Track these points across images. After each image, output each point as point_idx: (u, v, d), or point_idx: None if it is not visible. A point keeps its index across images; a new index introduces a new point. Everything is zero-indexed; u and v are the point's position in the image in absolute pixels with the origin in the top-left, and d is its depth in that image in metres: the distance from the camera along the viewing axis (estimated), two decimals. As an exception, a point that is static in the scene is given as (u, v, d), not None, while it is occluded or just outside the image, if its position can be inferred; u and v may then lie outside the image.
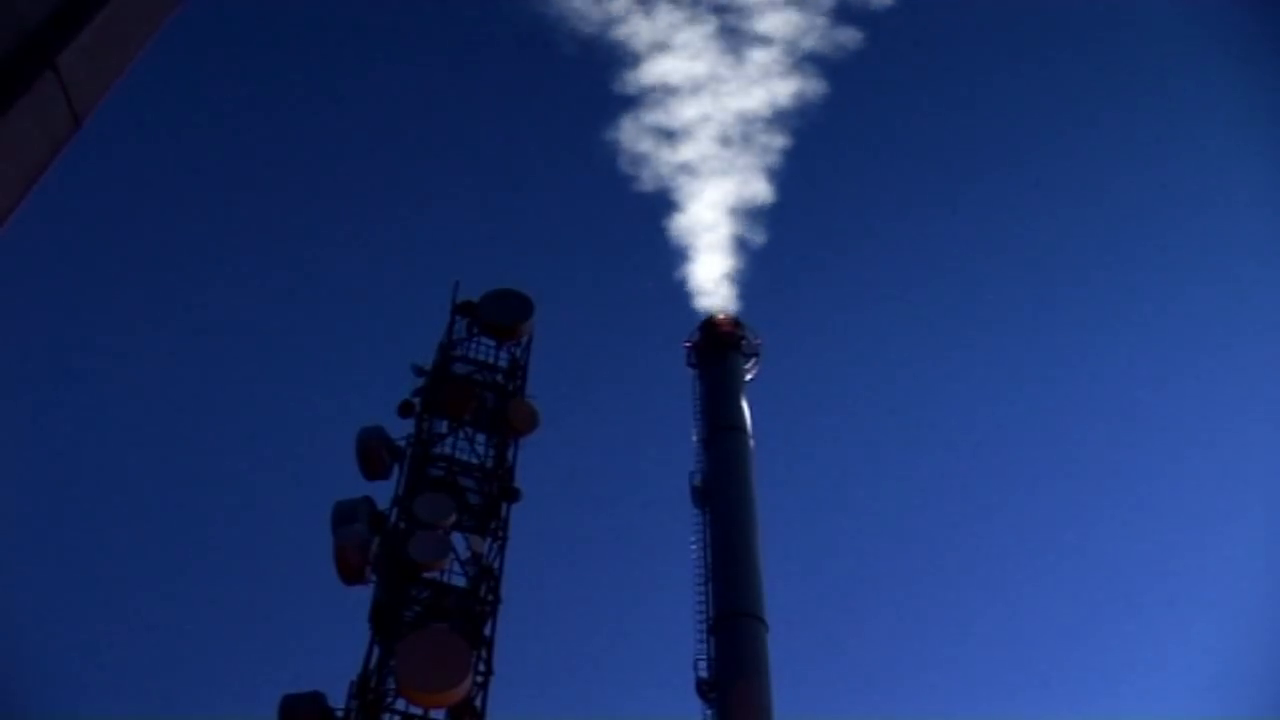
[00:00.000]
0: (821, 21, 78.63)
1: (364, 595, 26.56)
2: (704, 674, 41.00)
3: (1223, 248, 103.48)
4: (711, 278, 55.40)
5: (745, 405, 48.73)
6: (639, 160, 73.73)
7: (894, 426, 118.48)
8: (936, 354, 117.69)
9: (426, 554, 26.15)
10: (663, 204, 73.52)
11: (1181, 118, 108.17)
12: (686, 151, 70.43)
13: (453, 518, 26.93)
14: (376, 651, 25.73)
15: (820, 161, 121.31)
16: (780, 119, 72.81)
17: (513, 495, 28.70)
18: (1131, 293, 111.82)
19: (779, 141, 71.22)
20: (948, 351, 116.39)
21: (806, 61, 76.85)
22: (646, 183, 74.05)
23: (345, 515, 27.29)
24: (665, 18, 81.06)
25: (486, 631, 26.49)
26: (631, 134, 75.62)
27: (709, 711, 40.37)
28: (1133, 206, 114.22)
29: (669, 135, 73.34)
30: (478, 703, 25.46)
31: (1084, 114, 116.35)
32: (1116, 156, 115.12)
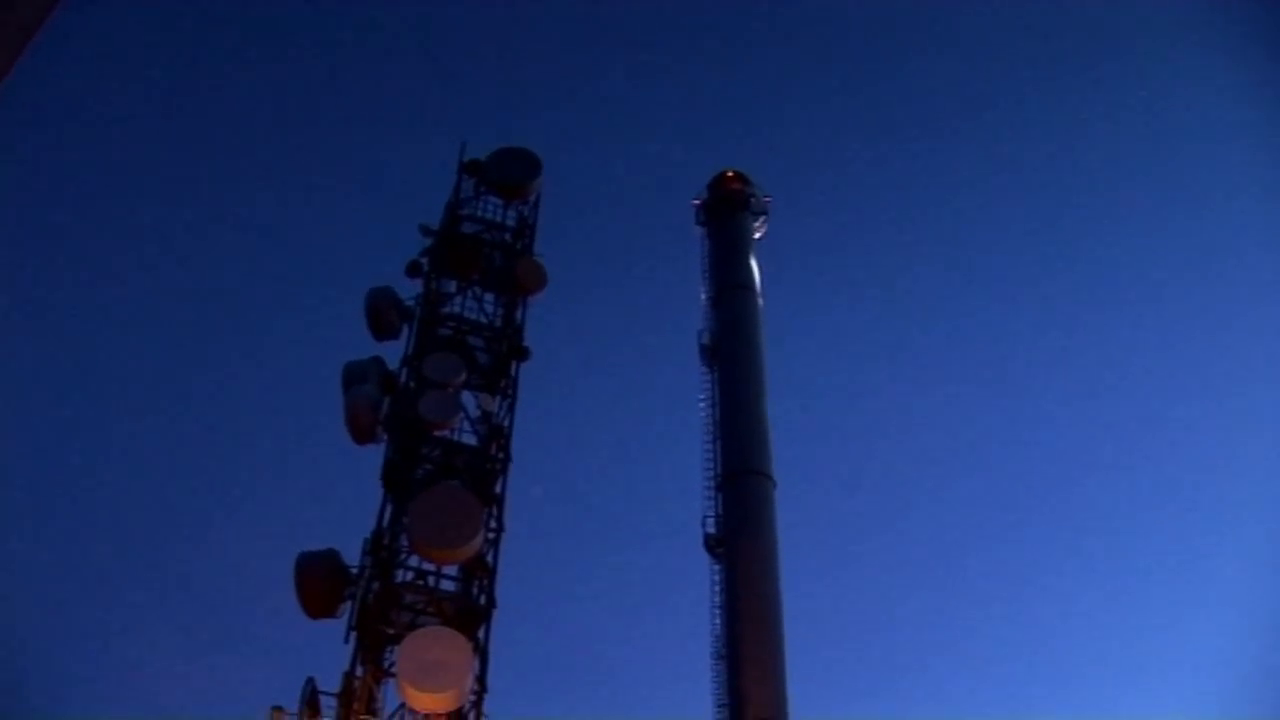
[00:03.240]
0: None
1: (375, 455, 26.82)
2: (712, 530, 41.42)
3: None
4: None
5: (754, 264, 48.51)
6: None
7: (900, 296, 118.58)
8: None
9: (436, 413, 26.30)
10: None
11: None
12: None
13: (462, 377, 27.04)
14: (389, 510, 26.02)
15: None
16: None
17: (522, 354, 28.76)
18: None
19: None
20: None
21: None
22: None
23: (355, 376, 27.43)
24: None
25: (497, 489, 26.75)
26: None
27: (717, 566, 40.86)
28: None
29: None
30: (489, 558, 25.82)
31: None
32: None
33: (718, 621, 39.80)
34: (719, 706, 37.85)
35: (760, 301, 47.30)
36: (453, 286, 29.26)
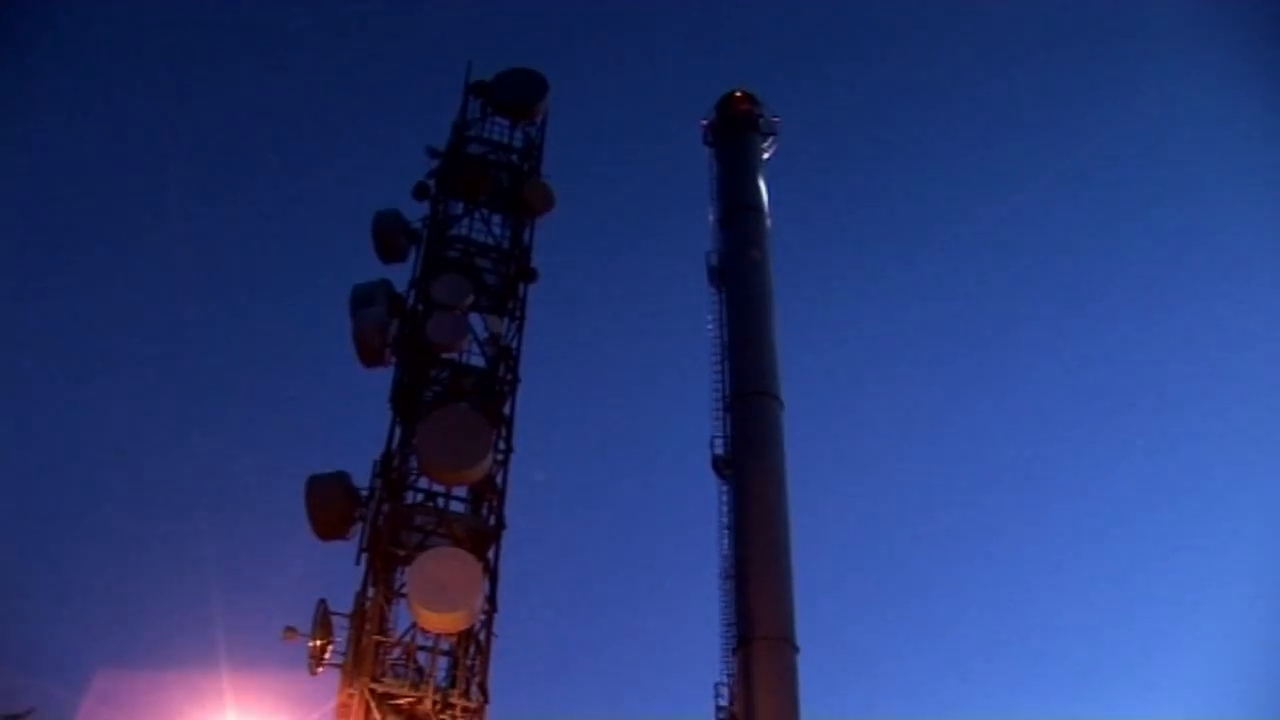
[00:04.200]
0: None
1: (384, 377, 26.87)
2: (720, 451, 41.56)
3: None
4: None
5: (762, 184, 48.25)
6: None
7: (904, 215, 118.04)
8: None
9: (445, 335, 26.30)
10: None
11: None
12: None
13: (470, 299, 27.01)
14: (398, 432, 26.12)
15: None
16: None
17: (529, 275, 28.70)
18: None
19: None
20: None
21: None
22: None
23: (363, 299, 27.40)
24: None
25: (506, 410, 26.83)
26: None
27: (725, 487, 41.02)
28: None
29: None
30: (499, 480, 25.95)
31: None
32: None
33: (726, 542, 40.04)
34: (727, 626, 38.19)
35: (768, 222, 47.12)
36: (460, 208, 29.14)
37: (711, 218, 48.00)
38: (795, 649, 37.26)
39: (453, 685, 23.77)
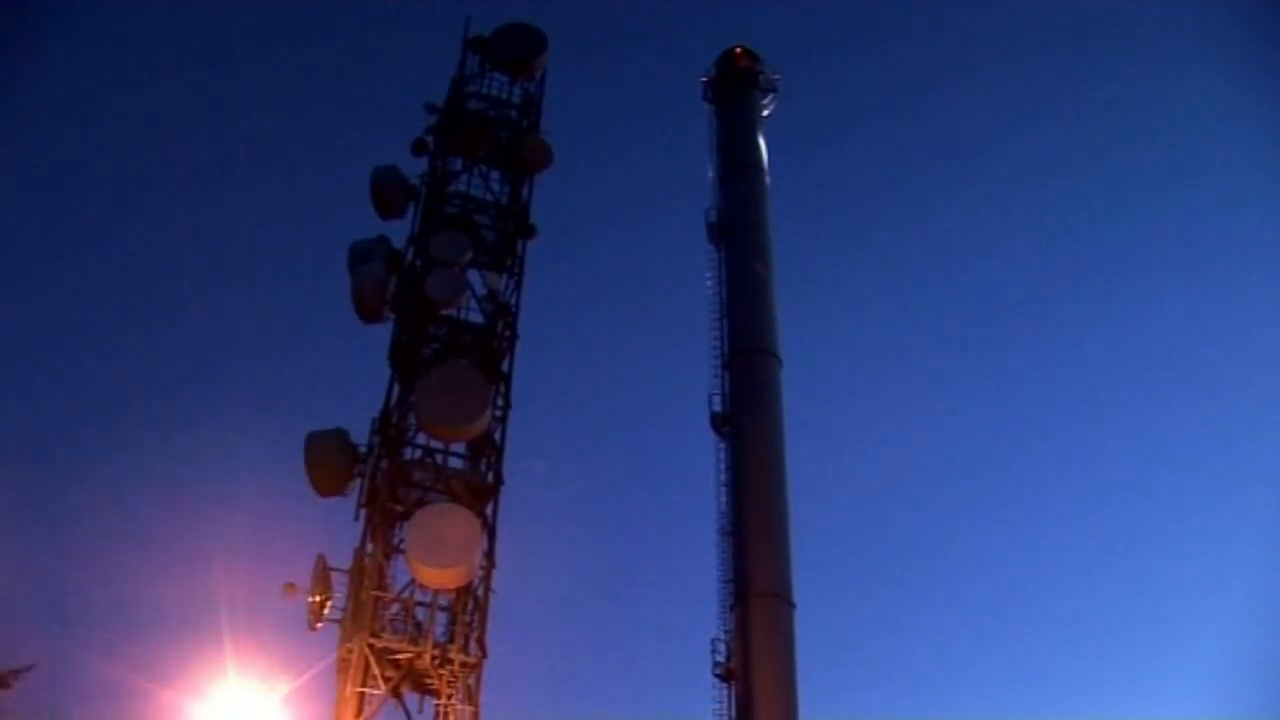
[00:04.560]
0: None
1: (383, 334, 26.88)
2: (719, 408, 41.58)
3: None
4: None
5: (762, 142, 48.05)
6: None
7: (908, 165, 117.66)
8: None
9: (443, 291, 26.29)
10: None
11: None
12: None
13: (468, 255, 26.98)
14: (396, 389, 26.16)
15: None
16: None
17: (528, 232, 28.66)
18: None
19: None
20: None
21: None
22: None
23: (362, 255, 27.36)
24: None
25: (504, 367, 26.87)
26: None
27: (723, 444, 41.07)
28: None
29: None
30: (497, 436, 26.01)
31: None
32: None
33: (723, 499, 40.10)
34: (724, 582, 38.27)
35: (768, 180, 46.96)
36: (459, 165, 29.06)
37: (711, 175, 47.78)
38: (792, 606, 37.37)
39: (451, 640, 23.91)
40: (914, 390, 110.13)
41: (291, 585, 24.08)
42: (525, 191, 29.06)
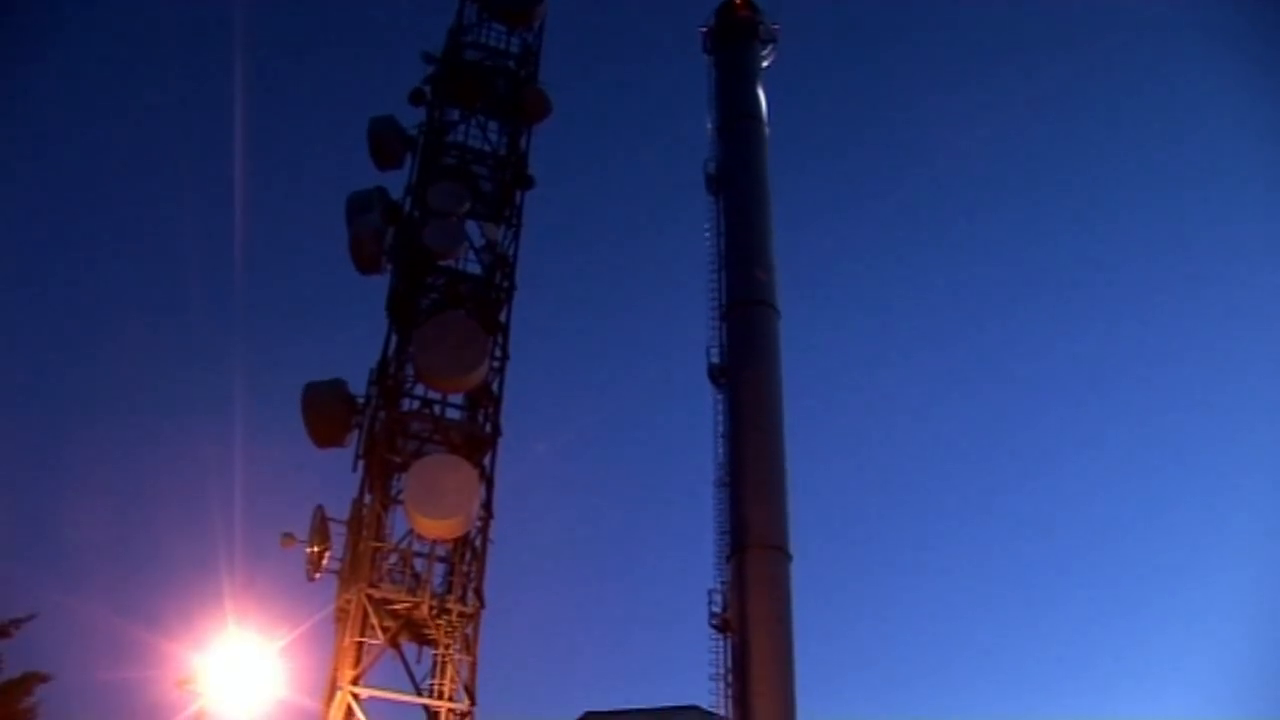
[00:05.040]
0: None
1: (380, 285, 26.83)
2: (716, 360, 41.55)
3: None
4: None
5: (761, 93, 47.81)
6: None
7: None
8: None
9: (441, 242, 26.21)
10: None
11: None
12: None
13: (466, 205, 26.87)
14: (394, 339, 26.14)
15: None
16: None
17: (526, 182, 28.55)
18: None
19: None
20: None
21: None
22: None
23: (359, 206, 27.25)
24: None
25: (502, 317, 26.83)
26: None
27: (720, 395, 41.09)
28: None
29: None
30: (495, 387, 26.01)
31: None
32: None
33: (721, 450, 40.16)
34: (721, 534, 38.41)
35: (767, 131, 46.75)
36: (456, 115, 28.90)
37: (710, 126, 47.60)
38: (788, 557, 37.55)
39: (449, 591, 24.01)
40: (915, 345, 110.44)
41: (290, 536, 24.17)
42: (523, 142, 28.93)
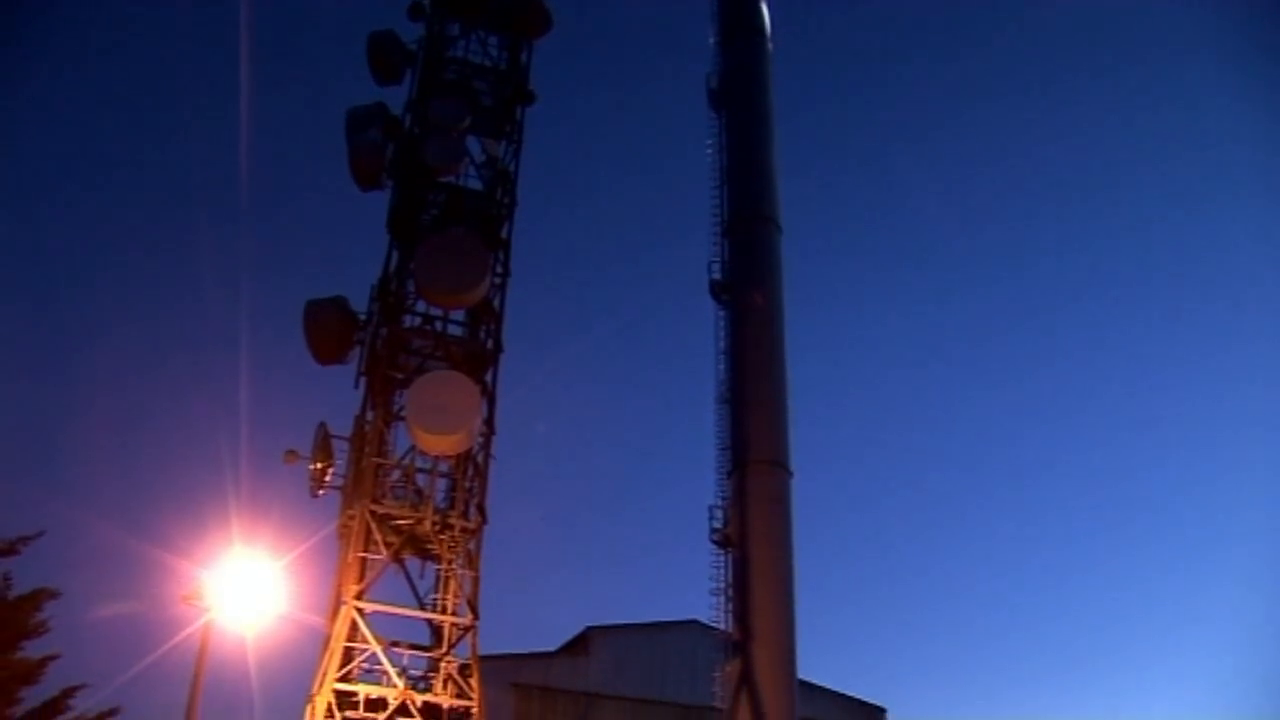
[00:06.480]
0: None
1: (381, 201, 26.70)
2: (718, 276, 41.40)
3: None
4: None
5: (764, 7, 47.21)
6: None
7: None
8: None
9: (441, 157, 26.04)
10: None
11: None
12: None
13: (467, 120, 26.67)
14: (395, 256, 26.06)
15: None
16: None
17: (527, 98, 28.31)
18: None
19: None
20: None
21: None
22: None
23: (359, 122, 27.04)
24: None
25: (503, 233, 26.73)
26: None
27: (722, 312, 40.98)
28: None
29: None
30: (496, 303, 25.97)
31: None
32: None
33: (722, 367, 40.10)
34: (722, 450, 38.45)
35: (770, 46, 46.22)
36: (456, 30, 28.60)
37: (712, 40, 47.06)
38: (789, 473, 37.68)
39: (451, 506, 24.16)
40: (918, 272, 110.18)
41: (293, 452, 24.27)
42: (524, 57, 28.65)
